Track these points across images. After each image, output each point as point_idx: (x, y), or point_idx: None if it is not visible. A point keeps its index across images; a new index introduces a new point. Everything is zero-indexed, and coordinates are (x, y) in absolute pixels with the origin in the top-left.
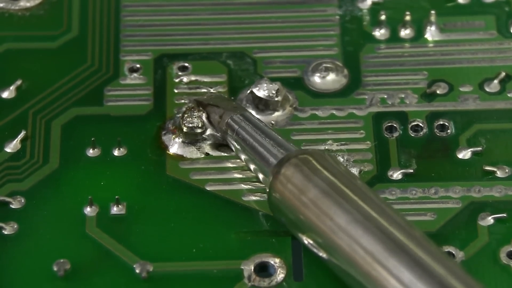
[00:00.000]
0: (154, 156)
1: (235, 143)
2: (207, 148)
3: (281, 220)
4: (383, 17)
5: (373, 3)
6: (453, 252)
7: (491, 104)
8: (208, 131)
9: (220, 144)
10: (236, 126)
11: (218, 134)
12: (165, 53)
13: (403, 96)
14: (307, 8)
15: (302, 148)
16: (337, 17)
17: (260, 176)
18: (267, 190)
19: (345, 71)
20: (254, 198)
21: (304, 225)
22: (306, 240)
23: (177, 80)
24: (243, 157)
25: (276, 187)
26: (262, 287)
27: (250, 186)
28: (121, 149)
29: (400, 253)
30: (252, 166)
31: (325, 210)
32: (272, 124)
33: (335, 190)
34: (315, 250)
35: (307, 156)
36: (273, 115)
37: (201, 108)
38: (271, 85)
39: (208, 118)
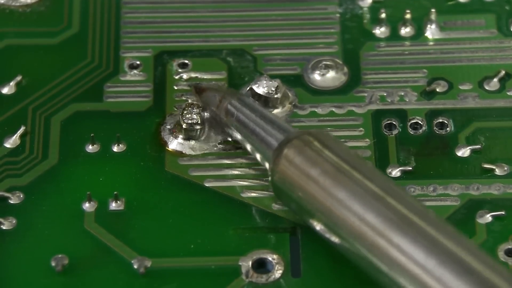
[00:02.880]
0: (153, 152)
1: (235, 128)
2: (205, 144)
3: (287, 204)
4: (383, 15)
5: (374, 1)
6: None
7: (491, 102)
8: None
9: (221, 140)
10: (235, 111)
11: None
12: (165, 50)
13: (402, 94)
14: (307, 5)
15: (303, 129)
16: (338, 15)
17: (262, 159)
18: (269, 173)
19: (345, 69)
20: (252, 194)
21: (308, 204)
22: (317, 226)
23: (177, 77)
24: (243, 141)
25: (279, 168)
26: (260, 283)
27: (249, 183)
28: (120, 145)
29: (408, 228)
30: (253, 150)
31: (329, 188)
32: None
33: (338, 168)
34: (327, 235)
35: (309, 137)
36: (272, 112)
37: (200, 105)
38: (270, 82)
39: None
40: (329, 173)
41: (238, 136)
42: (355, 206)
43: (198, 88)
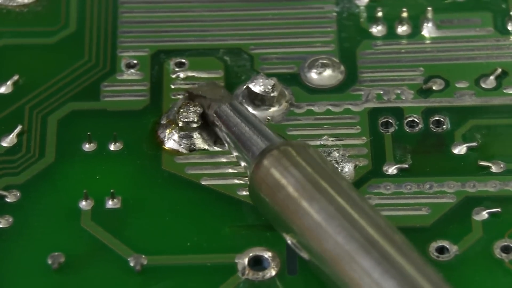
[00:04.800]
0: (150, 150)
1: (222, 133)
2: (202, 143)
3: (259, 209)
4: (380, 14)
5: (370, 0)
6: (447, 247)
7: (487, 100)
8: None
9: (216, 139)
10: (223, 116)
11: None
12: (162, 49)
13: (399, 92)
14: (304, 4)
15: (286, 139)
16: (334, 13)
17: (244, 165)
18: (248, 180)
19: (342, 67)
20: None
21: (279, 218)
22: (283, 233)
23: (173, 76)
24: (229, 146)
25: (256, 178)
26: (255, 280)
27: (245, 181)
28: (117, 143)
29: (371, 250)
30: (237, 156)
31: (300, 206)
32: (268, 119)
33: (312, 184)
34: (296, 249)
35: (288, 148)
36: (269, 111)
37: (197, 103)
38: (267, 80)
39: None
40: (303, 188)
41: (225, 141)
42: (323, 227)
43: (190, 94)
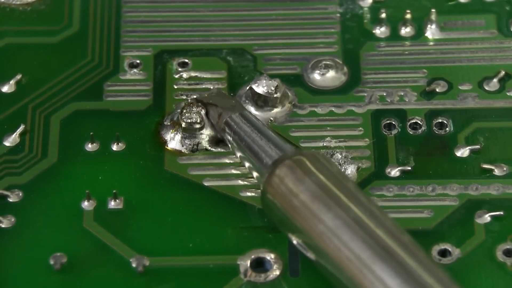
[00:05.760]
0: (153, 151)
1: (233, 142)
2: (205, 144)
3: (273, 220)
4: (383, 15)
5: (374, 1)
6: (450, 250)
7: (490, 102)
8: (207, 129)
9: (219, 140)
10: (234, 126)
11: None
12: (165, 49)
13: (402, 94)
14: (308, 5)
15: (297, 149)
16: (338, 14)
17: (256, 175)
18: (261, 190)
19: (345, 69)
20: (251, 194)
21: (294, 227)
22: (296, 240)
23: (177, 76)
24: (240, 156)
25: (269, 187)
26: (258, 282)
27: (248, 182)
28: (119, 144)
29: (387, 258)
30: (248, 165)
31: (315, 213)
32: (271, 120)
33: (326, 193)
34: (303, 250)
35: (301, 157)
36: (272, 112)
37: (200, 104)
38: (270, 81)
39: (207, 115)
40: (315, 198)
41: (235, 150)
42: (338, 235)
43: (199, 102)
